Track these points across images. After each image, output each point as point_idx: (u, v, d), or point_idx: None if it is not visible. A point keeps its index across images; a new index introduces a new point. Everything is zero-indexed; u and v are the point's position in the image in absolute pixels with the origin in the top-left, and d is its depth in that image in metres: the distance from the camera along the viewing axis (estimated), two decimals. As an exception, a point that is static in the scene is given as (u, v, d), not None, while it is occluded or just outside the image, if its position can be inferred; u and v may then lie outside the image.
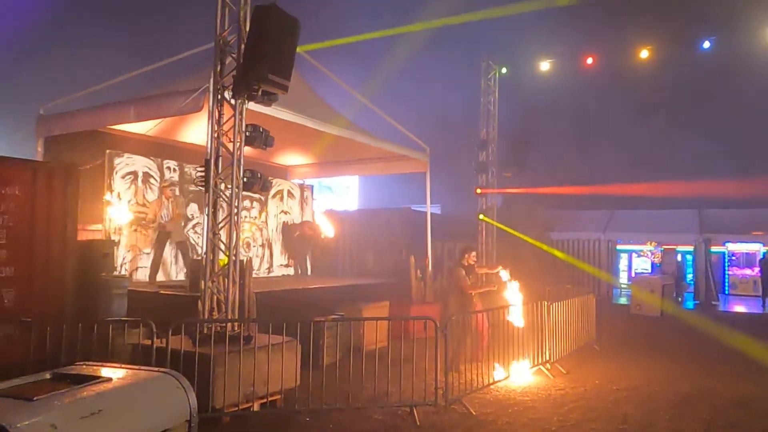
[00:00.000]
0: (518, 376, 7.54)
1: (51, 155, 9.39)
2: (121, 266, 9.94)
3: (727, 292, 21.07)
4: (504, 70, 15.78)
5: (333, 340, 7.90)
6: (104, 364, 3.67)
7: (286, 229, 13.64)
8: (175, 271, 10.74)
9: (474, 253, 8.58)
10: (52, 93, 10.32)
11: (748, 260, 21.20)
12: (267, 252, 13.17)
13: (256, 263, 12.57)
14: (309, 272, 13.65)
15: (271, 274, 13.12)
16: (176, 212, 10.25)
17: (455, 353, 7.30)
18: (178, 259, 10.72)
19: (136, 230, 10.36)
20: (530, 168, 15.98)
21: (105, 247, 8.39)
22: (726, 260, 21.61)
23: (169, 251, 10.47)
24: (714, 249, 20.08)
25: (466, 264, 8.38)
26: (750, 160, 22.45)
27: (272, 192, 13.10)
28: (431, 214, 13.11)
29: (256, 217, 12.97)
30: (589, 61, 15.49)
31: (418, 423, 5.77)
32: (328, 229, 14.01)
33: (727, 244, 21.19)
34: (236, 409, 5.70)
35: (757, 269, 19.77)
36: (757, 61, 16.23)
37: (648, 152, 24.21)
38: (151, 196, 10.66)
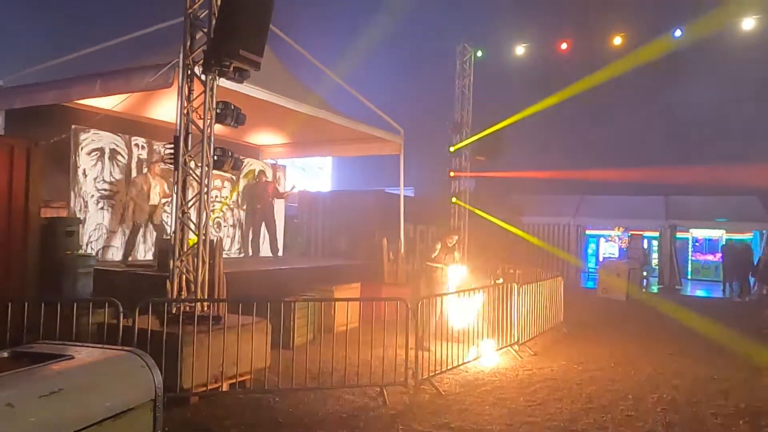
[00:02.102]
0: (487, 356, 7.65)
1: (13, 129, 9.06)
2: (87, 245, 9.71)
3: (690, 277, 21.70)
4: (480, 54, 15.77)
5: (304, 321, 7.89)
6: (66, 342, 3.58)
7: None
8: (144, 251, 10.54)
9: (456, 237, 9.36)
10: (14, 64, 9.93)
11: (710, 246, 21.84)
12: (238, 232, 13.01)
13: (227, 243, 12.42)
14: (260, 251, 12.82)
15: (242, 255, 12.97)
16: (167, 193, 9.90)
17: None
18: (147, 238, 10.51)
19: (102, 208, 10.12)
20: (503, 154, 16.08)
21: (69, 225, 8.16)
22: (690, 246, 22.21)
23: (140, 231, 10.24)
24: (679, 235, 20.60)
25: (446, 244, 9.07)
26: (714, 148, 22.94)
27: (244, 171, 12.89)
28: (404, 196, 13.09)
29: (227, 197, 12.78)
30: (564, 46, 15.60)
31: (388, 403, 5.82)
32: (287, 185, 13.59)
33: (691, 230, 21.77)
34: (205, 389, 5.66)
35: (719, 255, 20.39)
36: (722, 49, 16.58)
37: (617, 139, 24.52)
38: (118, 173, 10.40)
